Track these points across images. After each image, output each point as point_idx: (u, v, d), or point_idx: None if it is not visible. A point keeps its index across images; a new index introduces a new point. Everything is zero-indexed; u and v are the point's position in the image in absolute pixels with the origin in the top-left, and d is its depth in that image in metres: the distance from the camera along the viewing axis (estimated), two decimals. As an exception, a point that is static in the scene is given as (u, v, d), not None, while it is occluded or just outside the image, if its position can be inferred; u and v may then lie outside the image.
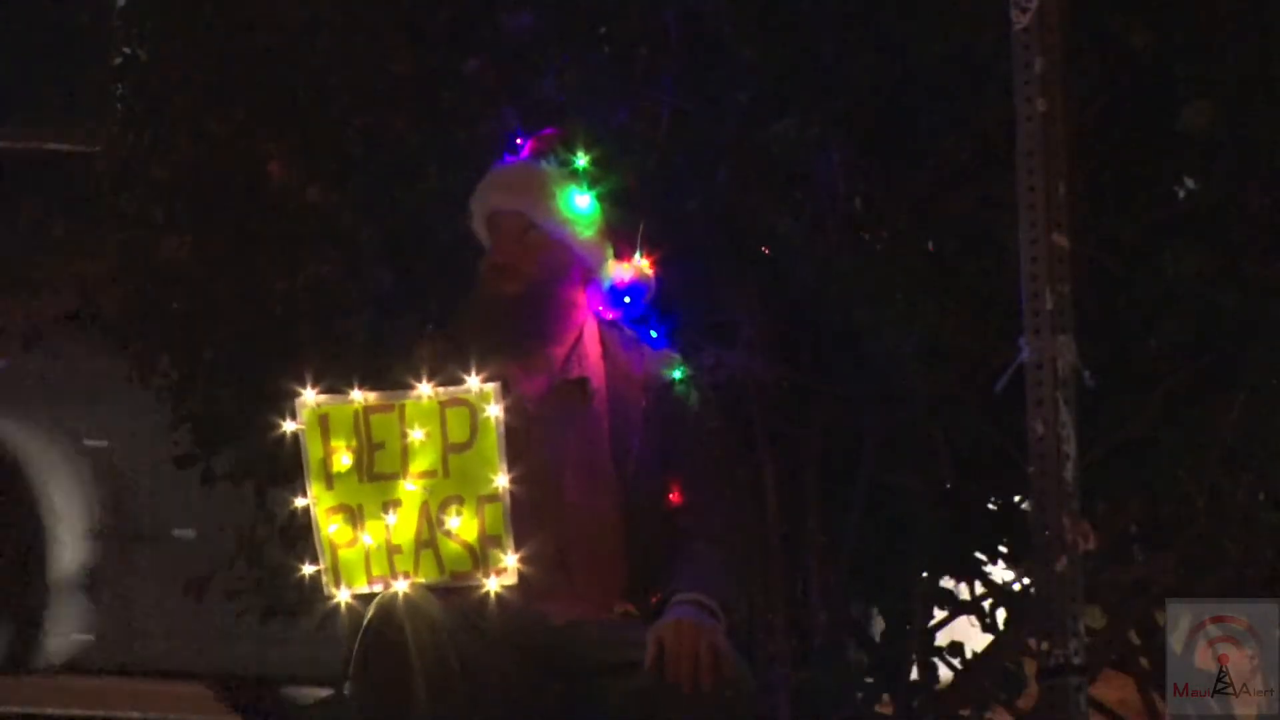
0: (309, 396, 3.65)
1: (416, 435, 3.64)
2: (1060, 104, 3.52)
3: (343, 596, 3.62)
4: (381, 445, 3.65)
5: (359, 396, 3.65)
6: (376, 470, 3.65)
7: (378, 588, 3.59)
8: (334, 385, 3.67)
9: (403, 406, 3.65)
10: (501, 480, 3.62)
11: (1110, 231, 3.90)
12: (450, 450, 3.65)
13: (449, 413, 3.65)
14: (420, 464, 3.64)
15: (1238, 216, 3.82)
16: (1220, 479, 3.97)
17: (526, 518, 3.64)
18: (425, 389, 3.65)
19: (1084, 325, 3.56)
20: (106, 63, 4.68)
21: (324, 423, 3.64)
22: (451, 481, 3.64)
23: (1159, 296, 3.84)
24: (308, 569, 3.66)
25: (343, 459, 3.64)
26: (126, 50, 4.57)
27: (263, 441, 4.22)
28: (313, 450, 3.65)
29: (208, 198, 4.36)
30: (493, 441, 3.63)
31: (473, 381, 3.65)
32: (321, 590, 3.64)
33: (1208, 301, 3.80)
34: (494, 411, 3.63)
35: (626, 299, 3.95)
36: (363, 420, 3.65)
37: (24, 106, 7.56)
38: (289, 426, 3.65)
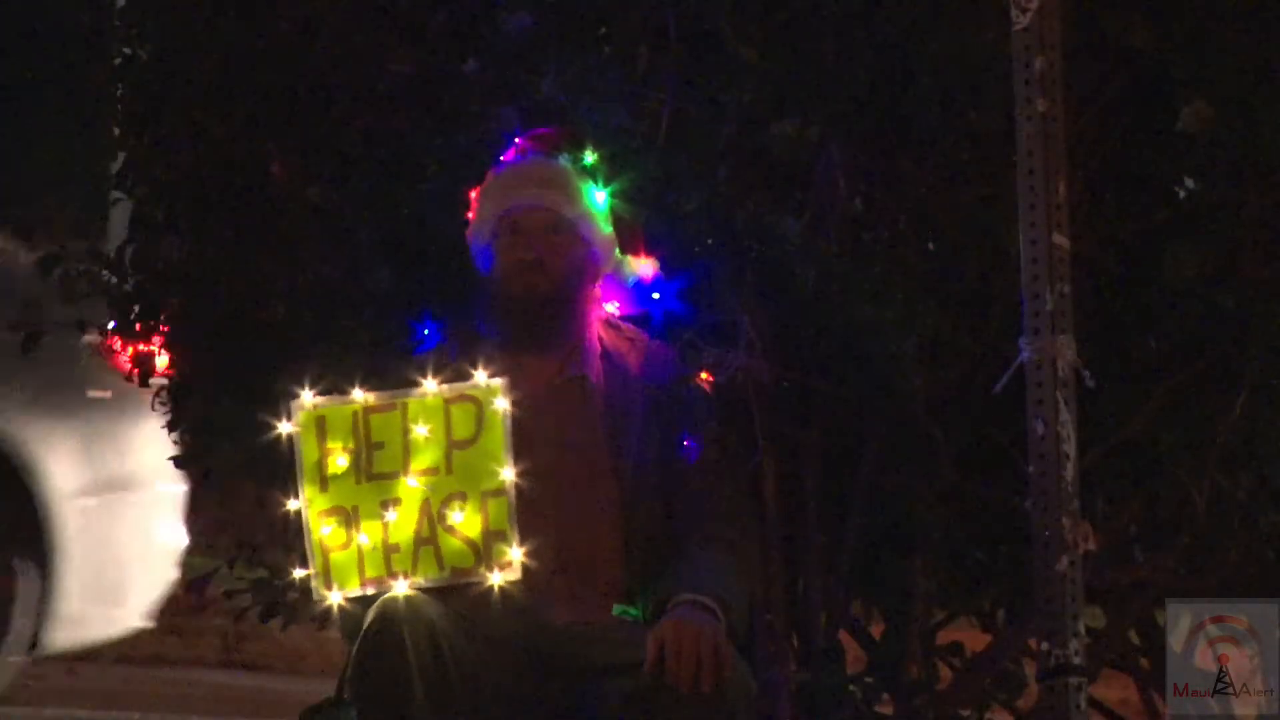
0: (306, 398, 3.64)
1: (420, 431, 3.62)
2: (1060, 104, 3.52)
3: (334, 599, 3.61)
4: (381, 445, 3.63)
5: (360, 397, 3.64)
6: (376, 470, 3.63)
7: (371, 590, 3.58)
8: (335, 386, 3.65)
9: (405, 405, 3.64)
10: (508, 474, 3.61)
11: (1110, 231, 3.90)
12: (454, 447, 3.63)
13: (454, 409, 3.63)
14: (422, 461, 3.63)
15: (1238, 216, 3.82)
16: (1220, 479, 3.97)
17: (524, 517, 3.63)
18: (430, 385, 3.64)
19: (1084, 325, 3.56)
20: (106, 63, 4.66)
21: (320, 425, 3.63)
22: (454, 478, 3.62)
23: (1159, 296, 3.85)
24: (298, 573, 3.65)
25: (339, 460, 3.63)
26: (126, 50, 4.56)
27: (263, 442, 4.21)
28: (307, 453, 3.63)
29: (208, 198, 4.36)
30: (499, 436, 3.62)
31: (480, 376, 3.64)
32: (312, 594, 3.62)
33: (1208, 301, 3.80)
34: (501, 405, 3.62)
35: (656, 294, 3.95)
36: (362, 421, 3.63)
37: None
38: (284, 428, 3.64)
